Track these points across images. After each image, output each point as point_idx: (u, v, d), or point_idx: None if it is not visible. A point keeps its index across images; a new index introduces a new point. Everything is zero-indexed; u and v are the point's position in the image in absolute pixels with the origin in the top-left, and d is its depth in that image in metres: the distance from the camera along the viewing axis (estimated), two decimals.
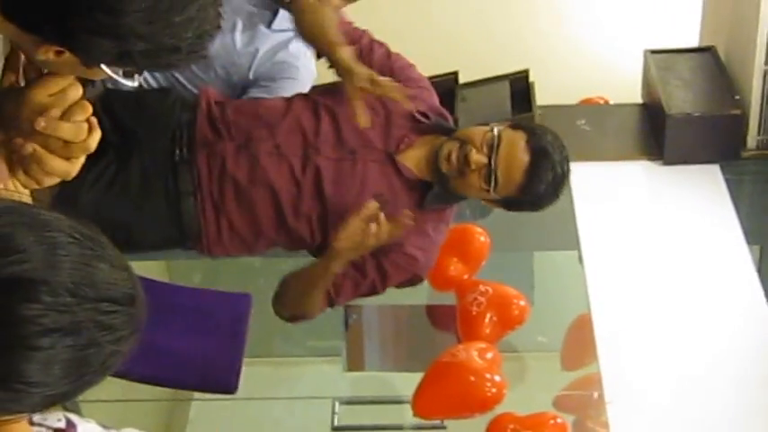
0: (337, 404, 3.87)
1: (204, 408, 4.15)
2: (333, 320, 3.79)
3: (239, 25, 3.30)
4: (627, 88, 4.53)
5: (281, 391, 4.21)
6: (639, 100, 4.40)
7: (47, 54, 1.51)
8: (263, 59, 3.30)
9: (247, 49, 3.30)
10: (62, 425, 1.68)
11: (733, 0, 4.12)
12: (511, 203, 2.87)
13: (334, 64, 2.79)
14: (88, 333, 1.21)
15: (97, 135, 1.63)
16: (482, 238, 3.68)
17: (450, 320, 3.57)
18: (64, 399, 1.27)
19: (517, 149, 2.78)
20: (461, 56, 4.59)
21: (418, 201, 2.86)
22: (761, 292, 3.47)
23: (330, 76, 2.90)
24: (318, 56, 2.97)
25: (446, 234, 3.00)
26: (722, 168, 3.96)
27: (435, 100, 3.05)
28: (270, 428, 4.20)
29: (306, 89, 3.34)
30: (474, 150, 2.77)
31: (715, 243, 3.69)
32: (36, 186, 1.65)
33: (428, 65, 4.21)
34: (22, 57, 1.72)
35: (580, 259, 3.64)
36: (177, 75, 3.31)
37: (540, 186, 2.79)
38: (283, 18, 3.31)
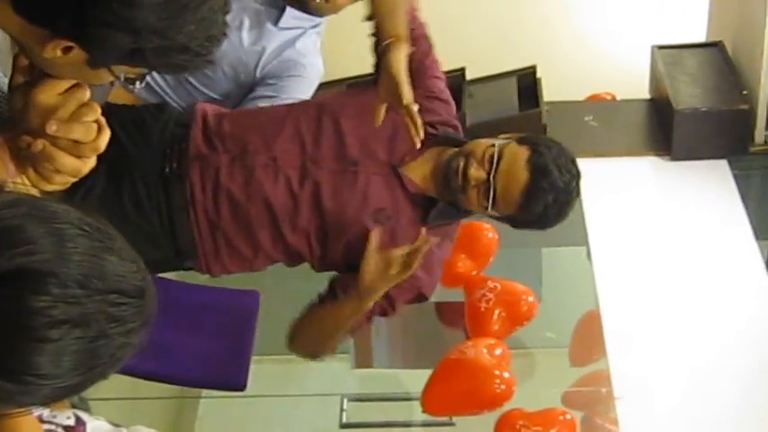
0: (346, 401, 3.86)
1: (213, 405, 4.15)
2: None
3: (246, 23, 3.30)
4: (634, 84, 4.52)
5: (290, 388, 4.20)
6: (647, 95, 4.40)
7: (54, 51, 1.51)
8: (270, 57, 3.30)
9: (254, 47, 3.30)
10: (72, 422, 1.69)
11: None
12: (514, 222, 2.76)
13: (383, 54, 2.65)
14: (97, 325, 1.21)
15: (106, 135, 1.63)
16: (490, 235, 3.68)
17: (458, 317, 3.57)
18: (74, 391, 1.27)
19: (517, 166, 2.65)
20: (469, 52, 4.58)
21: (422, 216, 2.76)
22: None
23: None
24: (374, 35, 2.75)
25: (450, 249, 2.91)
26: (730, 163, 3.95)
27: (450, 112, 2.92)
28: (278, 425, 4.19)
29: (313, 87, 3.34)
30: (474, 165, 2.66)
31: (723, 238, 3.69)
32: (46, 185, 1.65)
33: None
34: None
35: (588, 255, 3.64)
36: (187, 75, 3.31)
37: (538, 207, 2.65)
38: (290, 16, 3.31)
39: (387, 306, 2.75)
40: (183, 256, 2.76)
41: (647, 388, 3.18)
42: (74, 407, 1.95)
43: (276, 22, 3.31)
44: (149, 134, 2.75)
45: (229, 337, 3.12)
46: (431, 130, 2.76)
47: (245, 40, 3.28)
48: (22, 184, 1.90)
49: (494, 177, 2.64)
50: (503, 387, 3.15)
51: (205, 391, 3.93)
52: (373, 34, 2.74)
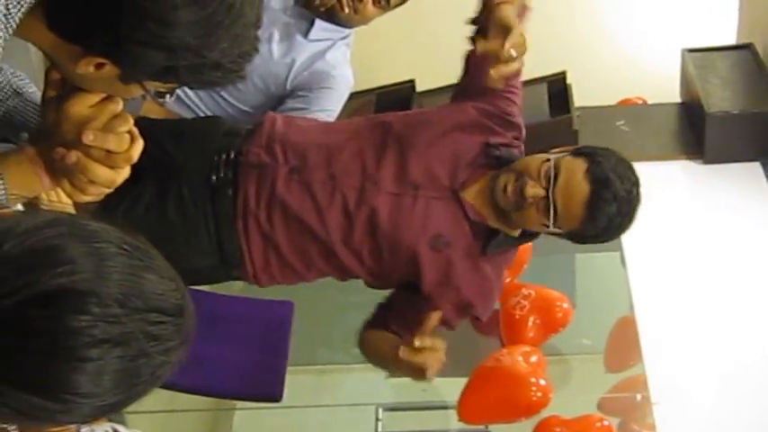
0: (381, 411, 3.85)
1: (247, 416, 4.15)
2: None
3: (276, 36, 3.31)
4: (665, 88, 4.50)
5: (325, 398, 4.20)
6: (678, 99, 4.39)
7: (87, 67, 1.52)
8: (300, 69, 3.30)
9: (284, 59, 3.30)
10: None
11: None
12: (577, 237, 2.65)
13: (490, 12, 2.48)
14: (137, 344, 1.21)
15: (139, 145, 1.64)
16: None
17: (493, 325, 3.55)
18: (113, 409, 1.27)
19: (576, 180, 2.55)
20: None
21: (481, 246, 2.69)
22: None
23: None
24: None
25: (505, 275, 2.86)
26: (764, 166, 3.93)
27: (514, 135, 2.80)
28: None
29: (344, 98, 3.35)
30: (531, 182, 2.57)
31: (758, 241, 3.67)
32: (81, 196, 1.66)
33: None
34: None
35: (622, 261, 3.63)
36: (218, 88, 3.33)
37: (603, 219, 2.55)
38: (319, 28, 3.32)
39: (444, 327, 2.68)
40: (229, 265, 2.75)
41: (684, 393, 3.16)
42: (110, 420, 1.95)
43: (306, 35, 3.32)
44: (197, 143, 2.75)
45: (264, 348, 3.12)
46: (494, 152, 2.72)
47: (275, 52, 3.29)
48: (57, 201, 1.92)
49: (553, 193, 2.55)
50: (539, 394, 3.13)
51: (240, 403, 3.93)
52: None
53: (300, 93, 3.28)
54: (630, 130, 4.20)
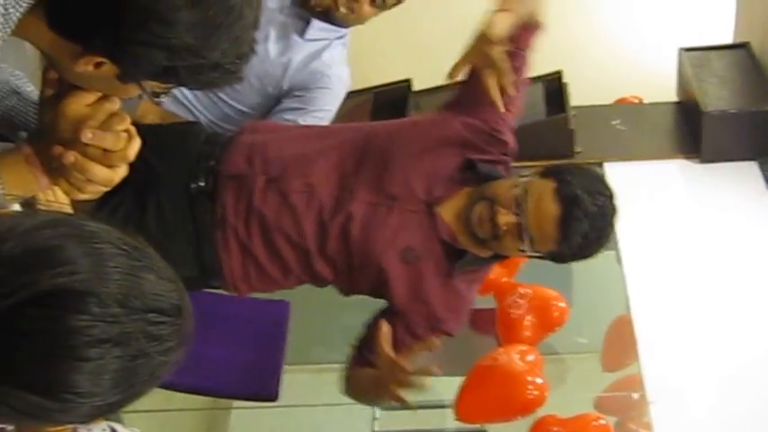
0: (377, 410, 3.86)
1: (244, 415, 4.15)
2: None
3: (272, 35, 3.31)
4: (661, 87, 4.51)
5: (321, 397, 4.20)
6: (674, 98, 4.39)
7: (86, 66, 1.52)
8: (297, 69, 3.31)
9: (281, 59, 3.30)
10: None
11: None
12: (557, 258, 2.65)
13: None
14: (137, 344, 1.21)
15: (136, 144, 1.64)
16: None
17: (489, 324, 3.56)
18: (112, 409, 1.27)
19: (545, 201, 2.55)
20: None
21: (450, 261, 2.68)
22: None
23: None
24: None
25: (476, 292, 2.85)
26: (760, 165, 3.93)
27: (502, 152, 2.78)
28: None
29: (340, 98, 3.35)
30: (501, 210, 2.56)
31: (754, 240, 3.67)
32: (78, 195, 1.66)
33: None
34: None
35: (618, 259, 3.63)
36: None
37: (576, 237, 2.54)
38: (316, 27, 3.32)
39: (413, 343, 2.67)
40: (208, 275, 2.72)
41: (681, 392, 3.16)
42: (107, 419, 1.95)
43: (302, 34, 3.32)
44: (176, 151, 2.73)
45: (260, 347, 3.13)
46: (475, 169, 2.70)
47: (271, 52, 3.29)
48: (54, 201, 1.92)
49: (524, 218, 2.55)
50: (535, 393, 3.13)
51: (236, 402, 3.93)
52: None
53: (297, 92, 3.28)
54: (627, 130, 4.20)
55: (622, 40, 5.36)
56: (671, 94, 4.41)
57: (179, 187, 2.68)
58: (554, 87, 4.22)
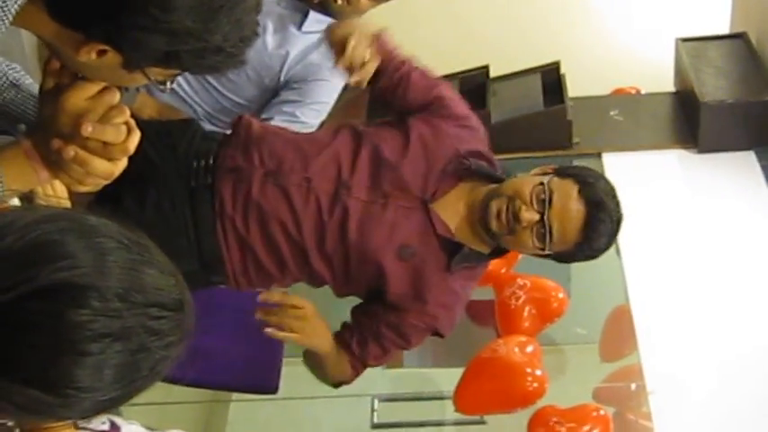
0: (377, 401, 3.86)
1: (243, 408, 4.15)
2: None
3: (270, 27, 3.30)
4: (659, 77, 4.51)
5: (320, 389, 4.19)
6: (672, 89, 4.39)
7: (88, 55, 1.51)
8: (295, 61, 3.30)
9: (278, 51, 3.30)
10: (106, 427, 1.69)
11: None
12: (565, 258, 2.67)
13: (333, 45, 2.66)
14: (138, 338, 1.21)
15: (136, 137, 1.64)
16: None
17: (488, 315, 3.56)
18: (113, 404, 1.27)
19: (571, 202, 2.55)
20: (492, 50, 4.58)
21: (447, 257, 2.66)
22: None
23: None
24: None
25: (472, 291, 2.84)
26: (757, 154, 3.94)
27: (481, 142, 2.80)
28: (309, 427, 4.19)
29: (338, 90, 3.34)
30: (524, 207, 2.55)
31: (752, 230, 3.67)
32: (79, 187, 1.66)
33: (459, 59, 4.22)
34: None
35: (617, 250, 3.62)
36: (212, 80, 3.32)
37: (601, 240, 2.58)
38: (313, 19, 3.32)
39: (403, 343, 2.71)
40: (209, 270, 2.71)
41: (680, 382, 3.17)
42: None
43: (300, 26, 3.32)
44: (175, 147, 2.72)
45: (260, 340, 3.12)
46: (465, 163, 2.70)
47: (269, 44, 3.28)
48: (54, 194, 1.92)
49: (548, 217, 2.54)
50: (535, 384, 3.14)
51: (235, 395, 3.93)
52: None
53: (294, 85, 3.28)
54: (624, 120, 4.21)
55: (620, 30, 5.37)
56: (668, 85, 4.42)
57: (178, 180, 2.68)
58: (552, 78, 4.23)
